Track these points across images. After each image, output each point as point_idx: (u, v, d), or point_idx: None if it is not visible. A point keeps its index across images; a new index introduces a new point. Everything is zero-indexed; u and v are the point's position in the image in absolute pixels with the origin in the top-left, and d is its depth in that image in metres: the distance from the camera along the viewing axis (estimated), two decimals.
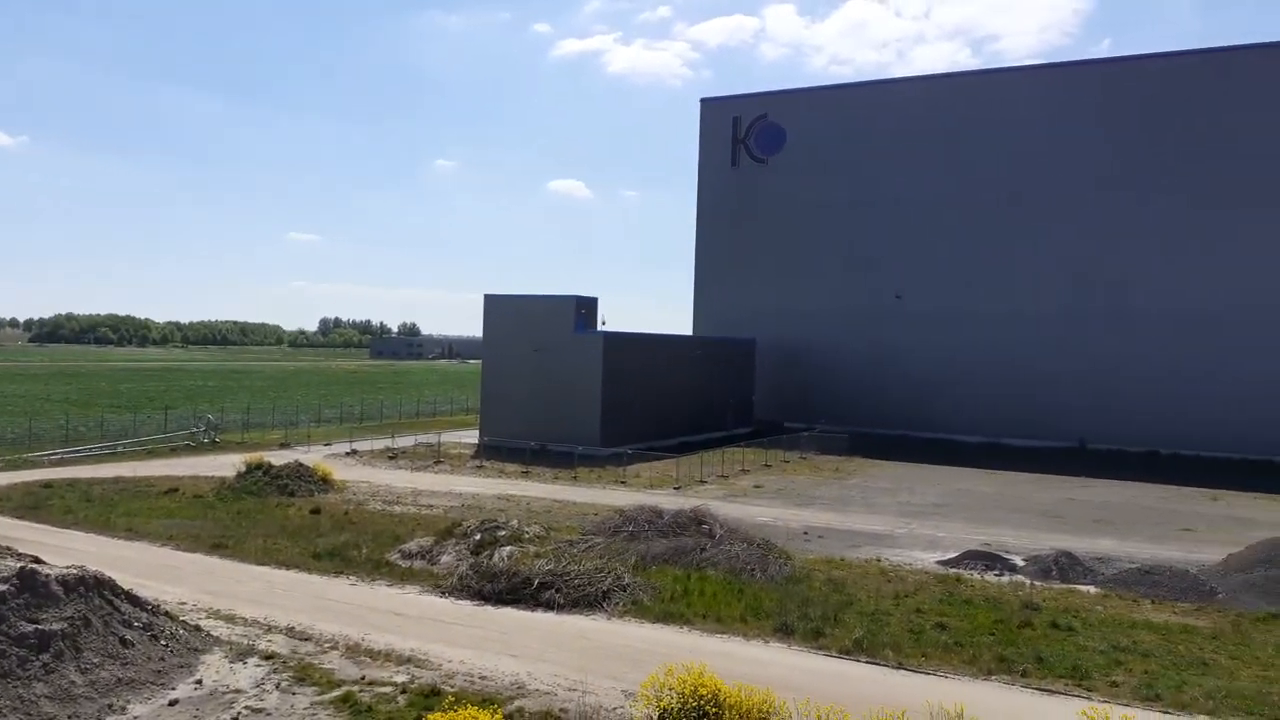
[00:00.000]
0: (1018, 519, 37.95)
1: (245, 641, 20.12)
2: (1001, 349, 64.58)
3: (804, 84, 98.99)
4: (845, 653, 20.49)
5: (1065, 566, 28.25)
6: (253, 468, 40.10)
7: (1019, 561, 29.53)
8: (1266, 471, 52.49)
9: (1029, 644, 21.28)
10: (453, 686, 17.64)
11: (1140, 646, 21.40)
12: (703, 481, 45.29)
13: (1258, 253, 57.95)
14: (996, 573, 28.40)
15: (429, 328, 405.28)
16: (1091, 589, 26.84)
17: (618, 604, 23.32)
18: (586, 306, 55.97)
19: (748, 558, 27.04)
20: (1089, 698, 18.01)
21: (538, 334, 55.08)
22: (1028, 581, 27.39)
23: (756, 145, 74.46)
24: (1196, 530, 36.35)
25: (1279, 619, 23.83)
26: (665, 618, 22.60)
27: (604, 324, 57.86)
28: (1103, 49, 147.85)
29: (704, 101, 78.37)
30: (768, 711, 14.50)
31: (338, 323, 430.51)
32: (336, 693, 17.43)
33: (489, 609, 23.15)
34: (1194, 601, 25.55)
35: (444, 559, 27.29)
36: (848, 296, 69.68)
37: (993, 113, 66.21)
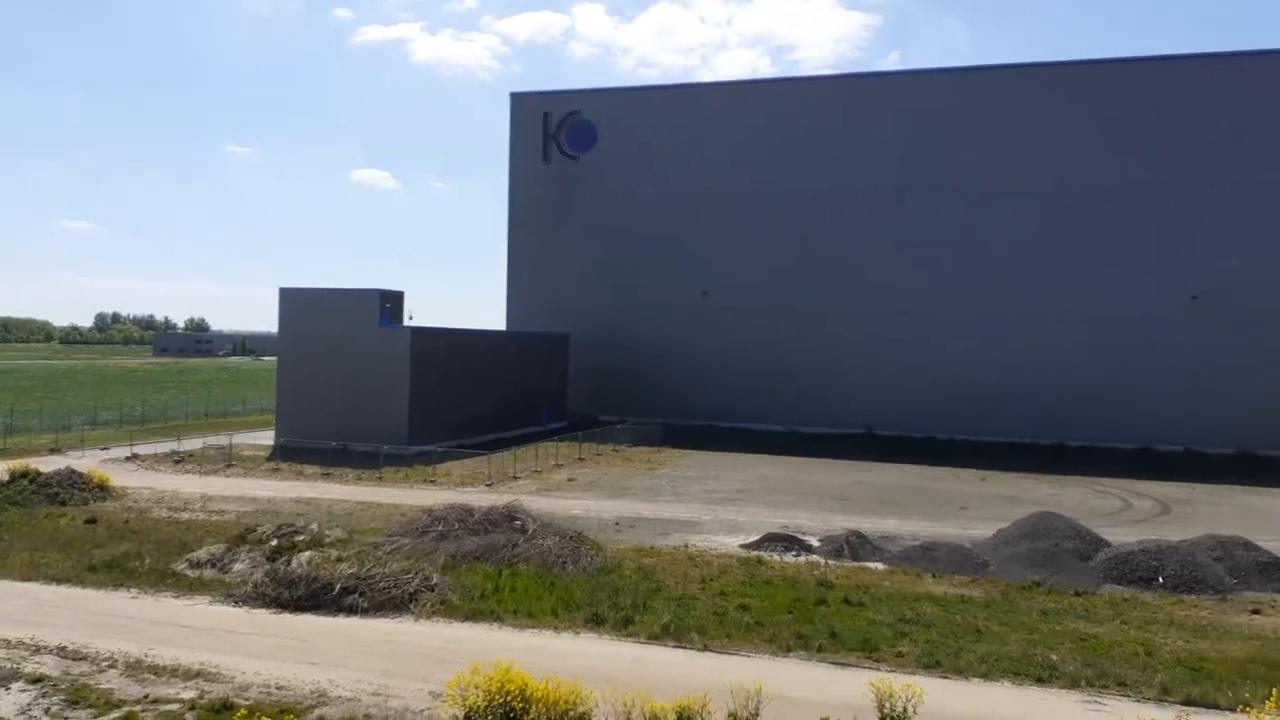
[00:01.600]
0: (813, 502, 39.99)
1: (9, 665, 18.25)
2: (799, 343, 67.88)
3: (614, 84, 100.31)
4: (654, 638, 20.93)
5: (856, 546, 30.00)
6: (17, 476, 36.44)
7: (814, 542, 31.12)
8: (1028, 453, 57.71)
9: (824, 620, 22.45)
10: (247, 699, 16.68)
11: (923, 618, 23.02)
12: (516, 477, 45.01)
13: (1024, 250, 63.51)
14: (794, 554, 29.80)
15: (220, 323, 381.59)
16: (879, 566, 28.66)
17: (426, 605, 22.79)
18: (392, 300, 54.32)
19: (560, 551, 27.10)
20: (877, 668, 19.19)
21: (339, 329, 52.94)
22: (822, 561, 28.90)
23: (568, 142, 74.69)
24: (970, 508, 39.51)
25: (1041, 587, 26.28)
26: (475, 616, 22.31)
27: (411, 319, 56.40)
28: (891, 62, 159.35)
29: (514, 96, 77.80)
30: (575, 702, 14.57)
31: (116, 318, 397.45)
32: (116, 714, 16.12)
33: (287, 617, 22.07)
34: (969, 574, 27.77)
35: (237, 567, 25.77)
36: (658, 292, 71.15)
37: (791, 118, 69.32)
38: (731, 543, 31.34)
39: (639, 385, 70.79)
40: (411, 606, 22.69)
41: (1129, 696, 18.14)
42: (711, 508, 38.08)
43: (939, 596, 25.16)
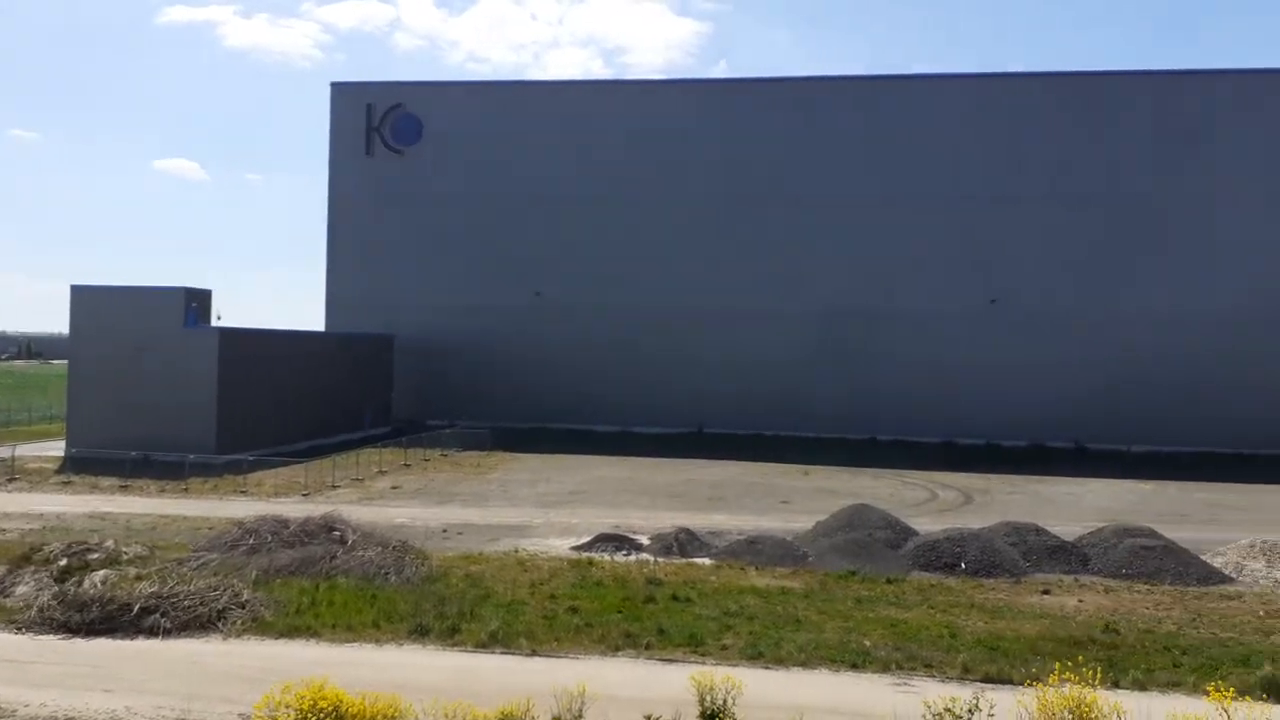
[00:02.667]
0: (645, 501, 40.43)
1: None
2: (631, 343, 68.50)
3: (443, 78, 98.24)
4: (481, 646, 20.51)
5: (684, 542, 30.49)
6: None
7: (645, 541, 31.41)
8: (845, 448, 60.37)
9: (652, 618, 22.63)
10: None
11: (747, 610, 23.60)
12: (335, 486, 43.19)
13: (840, 253, 66.58)
14: (625, 553, 29.96)
15: (3, 324, 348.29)
16: (707, 561, 29.22)
17: (236, 623, 21.45)
18: (199, 299, 51.08)
19: (382, 561, 26.17)
20: (703, 662, 19.50)
21: (140, 330, 49.24)
22: (652, 559, 29.21)
23: (392, 135, 72.49)
24: (793, 502, 40.96)
25: (856, 576, 27.49)
26: (291, 632, 21.18)
27: (220, 319, 53.23)
28: (720, 69, 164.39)
29: (335, 86, 74.87)
30: (393, 715, 14.02)
31: None
32: None
33: (79, 642, 20.27)
34: (790, 565, 28.71)
35: (20, 590, 23.45)
36: (489, 292, 70.06)
37: (623, 120, 69.86)
38: (563, 545, 31.19)
39: (469, 388, 69.49)
40: (220, 625, 21.31)
41: (935, 677, 19.18)
42: (543, 511, 37.80)
43: (762, 589, 25.85)
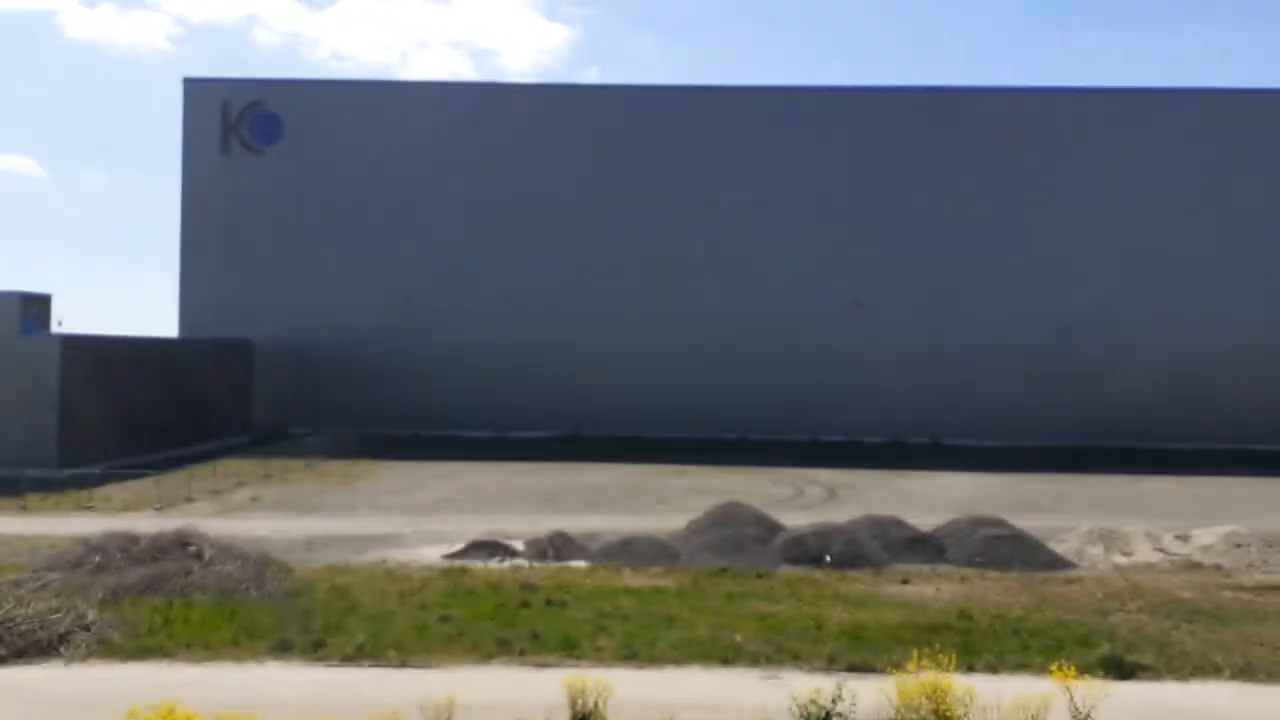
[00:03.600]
0: (520, 506, 40.07)
1: None
2: (505, 346, 67.74)
3: (305, 75, 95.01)
4: (348, 660, 19.93)
5: (560, 546, 30.39)
6: None
7: (519, 546, 31.14)
8: (719, 447, 61.45)
9: (526, 623, 22.45)
10: None
11: (621, 611, 23.69)
12: (191, 499, 41.11)
13: (707, 259, 67.71)
14: (499, 559, 29.64)
15: None
16: (582, 564, 29.19)
17: (80, 646, 20.14)
18: (37, 305, 47.90)
19: (242, 576, 25.14)
20: (578, 665, 19.43)
21: None
22: (527, 564, 28.99)
23: (251, 134, 69.63)
24: (668, 502, 41.36)
25: (727, 572, 28.00)
26: (141, 654, 20.05)
27: (61, 325, 49.98)
28: (590, 75, 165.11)
29: (188, 82, 71.36)
30: None
31: None
32: None
33: None
34: (664, 565, 29.00)
35: None
36: (356, 295, 68.10)
37: (494, 122, 69.13)
38: (434, 554, 30.59)
39: (335, 394, 67.26)
40: (62, 649, 19.98)
41: (802, 668, 19.70)
42: (414, 519, 36.96)
43: (637, 589, 26.01)
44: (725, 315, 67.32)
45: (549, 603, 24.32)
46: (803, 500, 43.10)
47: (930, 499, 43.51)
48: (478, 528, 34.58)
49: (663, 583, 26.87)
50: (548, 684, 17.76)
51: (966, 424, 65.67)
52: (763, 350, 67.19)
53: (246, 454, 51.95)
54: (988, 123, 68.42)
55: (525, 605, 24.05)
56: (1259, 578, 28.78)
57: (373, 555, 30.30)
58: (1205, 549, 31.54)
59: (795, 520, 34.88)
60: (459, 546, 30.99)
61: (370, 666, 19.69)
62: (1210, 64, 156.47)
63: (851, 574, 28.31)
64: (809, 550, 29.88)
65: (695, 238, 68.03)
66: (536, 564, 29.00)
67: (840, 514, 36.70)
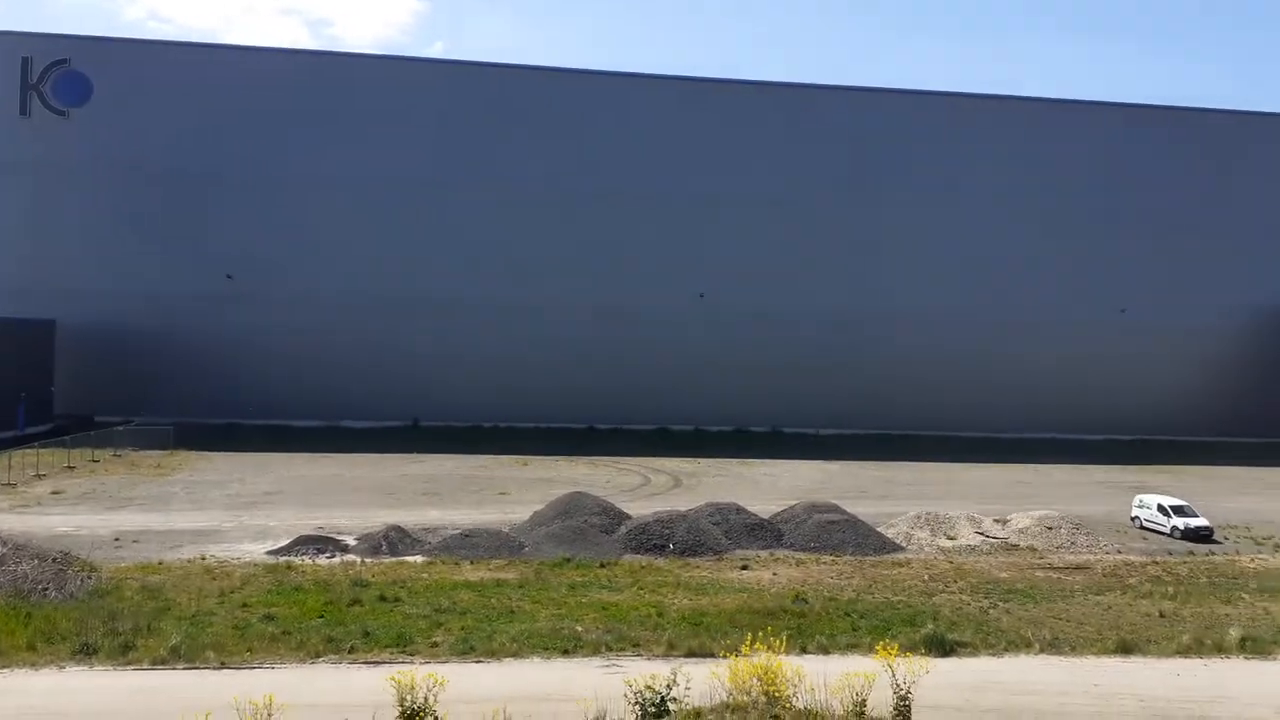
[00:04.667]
0: (354, 499, 38.44)
1: None
2: (341, 332, 64.74)
3: (118, 34, 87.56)
4: (161, 663, 18.58)
5: (395, 540, 29.28)
6: None
7: (351, 541, 29.84)
8: (564, 437, 61.12)
9: (358, 620, 21.53)
10: None
11: (459, 605, 23.04)
12: None
13: (553, 245, 66.88)
14: (329, 555, 28.30)
15: None
16: (419, 558, 28.22)
17: None
18: None
19: (39, 576, 23.07)
20: (411, 661, 18.73)
21: None
22: (359, 559, 27.79)
23: (55, 94, 63.56)
24: (511, 493, 40.66)
25: (571, 562, 27.69)
26: None
27: None
28: (436, 50, 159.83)
29: None
30: None
31: None
32: None
33: None
34: (506, 557, 28.42)
35: None
36: (174, 275, 63.25)
37: (333, 94, 65.44)
38: (258, 550, 28.91)
39: (149, 380, 62.25)
40: None
41: (642, 655, 19.64)
42: (235, 514, 34.83)
43: (476, 582, 25.37)
44: (572, 304, 66.69)
45: (382, 599, 23.42)
46: (649, 489, 43.31)
47: (770, 486, 44.61)
48: (306, 522, 32.96)
49: (504, 575, 26.33)
50: (376, 682, 16.97)
51: (805, 413, 67.78)
52: (610, 340, 66.99)
53: (46, 443, 47.45)
54: (830, 121, 70.36)
55: (357, 602, 23.07)
56: (1068, 558, 30.88)
57: (189, 552, 28.36)
58: (1021, 531, 33.57)
59: (641, 509, 34.96)
60: (285, 542, 29.41)
61: (185, 670, 18.36)
62: (1040, 74, 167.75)
63: (693, 561, 28.57)
64: (653, 538, 29.96)
65: (544, 225, 66.95)
66: (370, 559, 27.86)
67: (684, 502, 37.07)
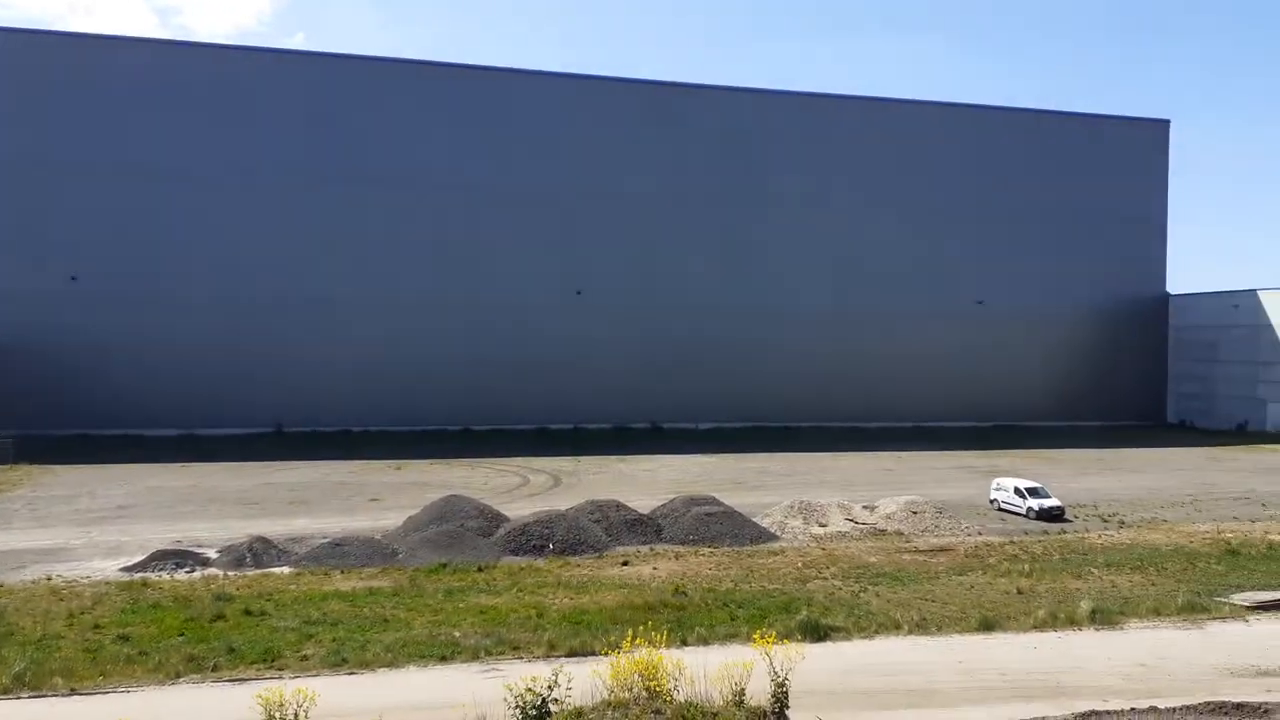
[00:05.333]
0: (214, 510, 36.65)
1: None
2: (197, 336, 61.51)
3: None
4: (4, 692, 17.36)
5: (259, 552, 28.06)
6: None
7: (212, 554, 28.44)
8: (440, 439, 59.97)
9: (221, 636, 20.55)
10: None
11: (331, 616, 22.25)
12: None
13: (431, 241, 65.47)
14: (188, 569, 26.90)
15: None
16: (286, 570, 27.12)
17: None
18: None
19: None
20: (280, 676, 17.96)
21: None
22: (221, 573, 26.51)
23: None
24: (383, 499, 39.53)
25: (447, 567, 27.12)
26: None
27: None
28: (297, 42, 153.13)
29: None
30: None
31: None
32: None
33: None
34: (379, 565, 27.61)
35: None
36: (10, 274, 58.76)
37: (180, 84, 62.04)
38: (110, 567, 27.21)
39: None
40: None
41: (523, 658, 19.40)
42: (84, 530, 32.70)
43: (348, 592, 24.57)
44: (446, 302, 65.38)
45: (248, 613, 22.39)
46: (528, 489, 42.88)
47: (650, 481, 44.87)
48: (163, 536, 31.23)
49: (377, 584, 25.58)
50: (241, 700, 16.20)
51: (684, 408, 68.57)
52: (487, 339, 66.00)
53: None
54: (704, 120, 71.12)
55: (220, 618, 21.99)
56: (932, 541, 32.17)
57: (32, 572, 26.45)
58: (889, 517, 34.79)
59: (520, 510, 34.58)
60: (140, 558, 27.75)
61: (31, 698, 17.13)
62: (904, 75, 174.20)
63: (574, 560, 28.44)
64: (532, 539, 29.67)
65: (415, 220, 65.34)
66: (233, 573, 26.59)
67: (565, 501, 36.86)
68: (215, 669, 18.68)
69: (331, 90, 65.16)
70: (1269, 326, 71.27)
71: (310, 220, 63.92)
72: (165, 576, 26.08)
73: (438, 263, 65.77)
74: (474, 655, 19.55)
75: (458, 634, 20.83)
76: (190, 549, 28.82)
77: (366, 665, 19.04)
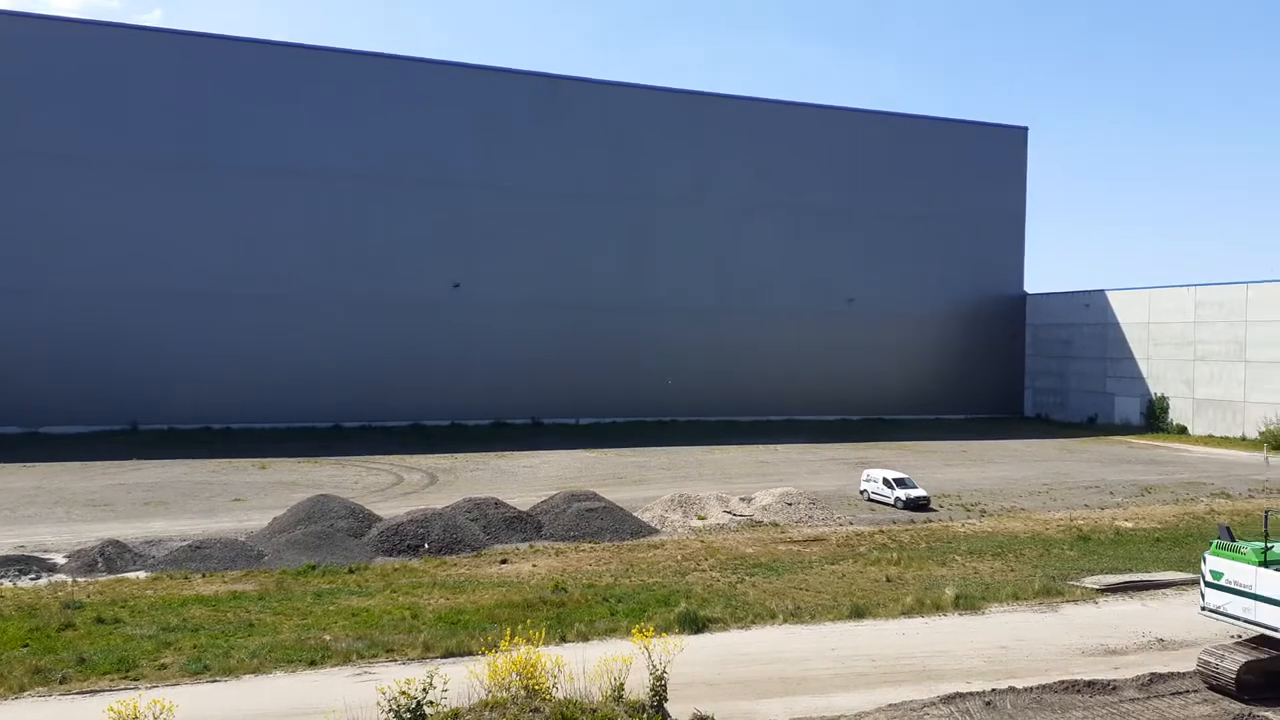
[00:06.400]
0: (60, 513, 34.36)
1: None
2: (38, 327, 57.43)
3: None
4: None
5: (112, 556, 26.45)
6: None
7: (60, 559, 26.67)
8: (308, 437, 57.95)
9: (71, 647, 19.29)
10: None
11: (191, 623, 21.15)
12: None
13: (306, 233, 63.05)
14: (33, 576, 25.13)
15: None
16: (142, 575, 25.65)
17: None
18: None
19: None
20: (136, 687, 16.97)
21: None
22: (70, 579, 24.87)
23: None
24: (247, 499, 37.87)
25: (316, 569, 26.15)
26: None
27: None
28: (154, 19, 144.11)
29: None
30: None
31: None
32: None
33: None
34: (243, 568, 26.41)
35: None
36: None
37: (25, 60, 57.95)
38: None
39: None
40: None
41: (397, 660, 18.85)
42: None
43: (209, 597, 23.41)
44: (316, 294, 62.97)
45: (100, 621, 21.05)
46: (402, 488, 41.82)
47: (530, 477, 44.46)
48: (3, 541, 29.07)
49: (241, 587, 24.46)
50: (94, 713, 15.22)
51: (565, 404, 68.29)
52: (358, 332, 64.01)
53: None
54: (585, 114, 70.62)
55: (69, 626, 20.60)
56: (806, 531, 32.96)
57: None
58: (765, 508, 35.46)
59: (393, 509, 33.70)
60: None
61: None
62: (788, 77, 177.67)
63: (450, 559, 27.88)
64: (406, 539, 28.93)
65: (283, 208, 62.55)
66: (83, 579, 24.96)
67: (441, 499, 36.11)
68: (64, 681, 17.51)
69: (192, 71, 61.76)
70: (1116, 325, 76.12)
71: (168, 208, 60.52)
72: (7, 584, 24.28)
73: (307, 252, 63.42)
74: (345, 659, 18.90)
75: (328, 637, 20.10)
76: (35, 554, 26.95)
77: (230, 672, 18.17)
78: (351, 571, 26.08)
